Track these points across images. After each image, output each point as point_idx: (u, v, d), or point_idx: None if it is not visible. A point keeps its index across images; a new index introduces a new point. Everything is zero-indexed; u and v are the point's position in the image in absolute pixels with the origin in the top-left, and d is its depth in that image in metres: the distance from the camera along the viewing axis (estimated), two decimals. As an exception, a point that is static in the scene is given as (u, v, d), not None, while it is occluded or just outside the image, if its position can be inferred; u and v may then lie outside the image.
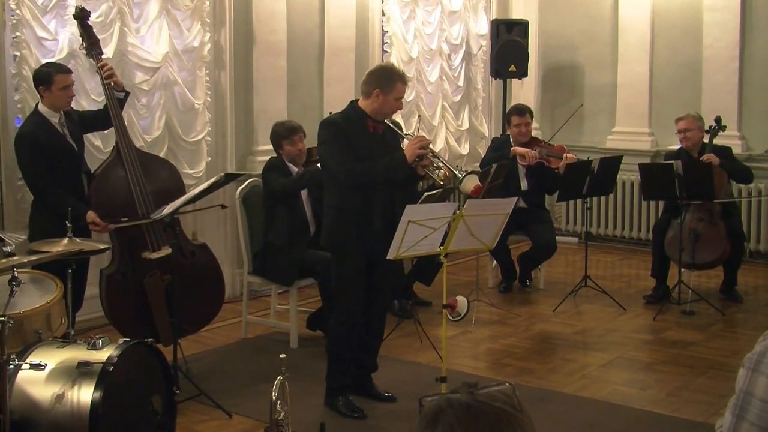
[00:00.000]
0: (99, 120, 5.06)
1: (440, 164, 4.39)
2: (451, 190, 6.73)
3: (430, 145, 4.37)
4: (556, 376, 5.01)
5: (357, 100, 4.44)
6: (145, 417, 3.55)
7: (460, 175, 4.24)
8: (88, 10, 5.07)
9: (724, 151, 6.37)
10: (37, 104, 4.83)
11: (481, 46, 8.72)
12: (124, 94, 5.04)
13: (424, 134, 7.19)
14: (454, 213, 4.04)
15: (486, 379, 4.79)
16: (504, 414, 1.40)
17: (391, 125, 4.44)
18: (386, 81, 4.32)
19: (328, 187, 4.48)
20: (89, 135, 5.25)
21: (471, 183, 4.23)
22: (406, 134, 4.61)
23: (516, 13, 8.89)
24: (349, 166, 4.24)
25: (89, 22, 5.03)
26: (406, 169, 4.24)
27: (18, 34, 5.19)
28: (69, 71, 4.88)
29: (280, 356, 3.39)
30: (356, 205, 4.31)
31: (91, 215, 4.70)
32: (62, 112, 4.83)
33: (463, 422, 1.39)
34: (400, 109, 4.53)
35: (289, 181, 5.39)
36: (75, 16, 5.01)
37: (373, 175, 4.25)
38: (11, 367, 3.26)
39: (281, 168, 5.49)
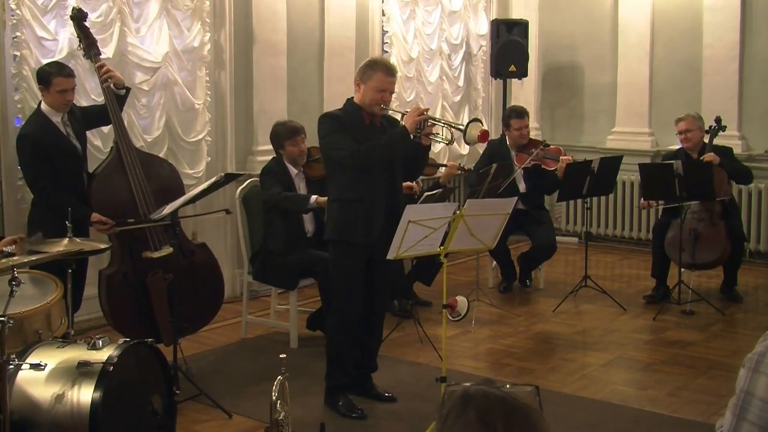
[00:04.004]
0: (103, 116, 5.01)
1: (442, 126, 4.41)
2: (451, 190, 6.73)
3: (428, 112, 4.33)
4: (556, 376, 5.01)
5: (354, 98, 4.46)
6: (145, 417, 3.55)
7: (461, 128, 4.21)
8: (85, 11, 5.05)
9: (725, 152, 6.37)
10: (39, 103, 4.83)
11: (481, 46, 8.72)
12: (125, 91, 5.02)
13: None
14: (454, 213, 4.03)
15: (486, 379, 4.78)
16: (535, 413, 1.43)
17: (388, 112, 4.45)
18: (365, 70, 4.35)
19: (331, 180, 4.48)
20: (89, 135, 5.23)
21: (476, 130, 4.11)
22: (405, 111, 4.52)
23: (516, 13, 8.89)
24: (354, 148, 4.25)
25: (87, 23, 5.01)
26: (410, 141, 4.25)
27: (18, 34, 5.19)
28: (71, 75, 4.80)
29: (280, 356, 3.40)
30: (360, 196, 4.32)
31: (96, 216, 4.69)
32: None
33: (497, 410, 1.42)
34: (386, 102, 4.35)
35: (274, 199, 5.36)
36: (72, 17, 4.99)
37: (378, 152, 4.25)
38: (11, 367, 3.26)
39: (278, 173, 5.48)
